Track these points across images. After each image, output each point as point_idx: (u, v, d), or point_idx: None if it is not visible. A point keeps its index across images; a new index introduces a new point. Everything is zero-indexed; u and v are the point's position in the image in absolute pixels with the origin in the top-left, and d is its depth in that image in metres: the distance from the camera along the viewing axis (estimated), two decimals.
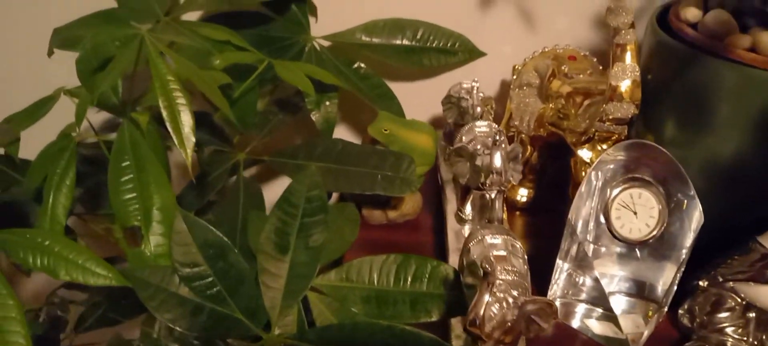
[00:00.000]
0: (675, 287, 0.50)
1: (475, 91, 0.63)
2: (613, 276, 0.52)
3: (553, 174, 0.66)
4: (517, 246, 0.46)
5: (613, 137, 0.55)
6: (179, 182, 0.72)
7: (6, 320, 0.44)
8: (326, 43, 0.73)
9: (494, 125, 0.56)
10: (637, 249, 0.51)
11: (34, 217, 0.60)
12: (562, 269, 0.52)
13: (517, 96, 0.65)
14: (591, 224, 0.51)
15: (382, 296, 0.49)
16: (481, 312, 0.39)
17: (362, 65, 0.72)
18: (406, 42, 0.73)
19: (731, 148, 0.51)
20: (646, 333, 0.51)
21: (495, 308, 0.40)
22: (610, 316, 0.52)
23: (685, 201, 0.49)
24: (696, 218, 0.49)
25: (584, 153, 0.56)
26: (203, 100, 0.62)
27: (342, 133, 0.81)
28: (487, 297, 0.40)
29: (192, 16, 0.71)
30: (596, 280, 0.52)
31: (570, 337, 0.53)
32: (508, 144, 0.53)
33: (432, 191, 0.69)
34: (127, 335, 0.66)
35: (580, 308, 0.53)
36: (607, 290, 0.52)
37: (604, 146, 0.55)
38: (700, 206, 0.49)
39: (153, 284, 0.49)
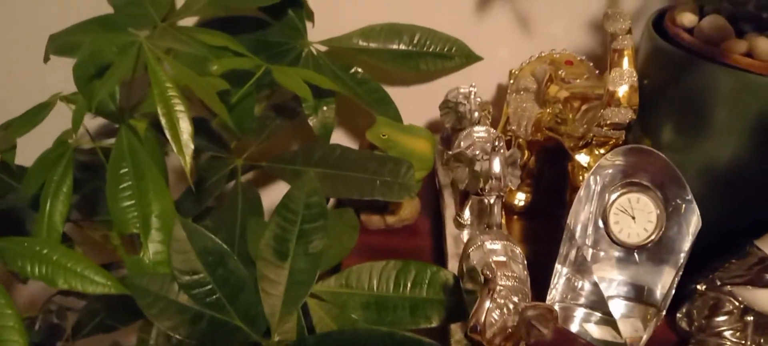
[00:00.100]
0: (673, 291, 0.51)
1: (472, 96, 0.63)
2: (612, 280, 0.52)
3: (550, 178, 0.66)
4: (517, 252, 0.46)
5: (611, 142, 0.55)
6: (176, 187, 0.72)
7: (4, 330, 0.43)
8: (323, 48, 0.73)
9: (492, 130, 0.56)
10: (635, 253, 0.52)
11: (31, 224, 0.59)
12: (560, 273, 0.53)
13: (514, 101, 0.65)
14: (590, 229, 0.52)
15: (382, 302, 0.49)
16: (482, 318, 0.40)
17: (359, 70, 0.72)
18: (403, 47, 0.73)
19: (728, 153, 0.51)
20: (644, 337, 0.51)
21: (496, 314, 0.40)
22: (608, 320, 0.52)
23: (683, 205, 0.50)
24: (694, 222, 0.49)
25: (582, 158, 0.57)
26: (200, 106, 0.62)
27: (339, 138, 0.81)
28: (488, 303, 0.40)
29: (188, 21, 0.71)
30: (595, 284, 0.52)
31: (569, 341, 0.53)
32: (506, 149, 0.53)
33: (430, 196, 0.69)
34: (124, 341, 0.66)
35: (579, 312, 0.54)
36: (605, 294, 0.52)
37: (602, 151, 0.56)
38: (697, 210, 0.49)
39: (152, 292, 0.49)
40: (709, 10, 0.55)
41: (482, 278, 0.41)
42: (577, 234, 0.51)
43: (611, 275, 0.52)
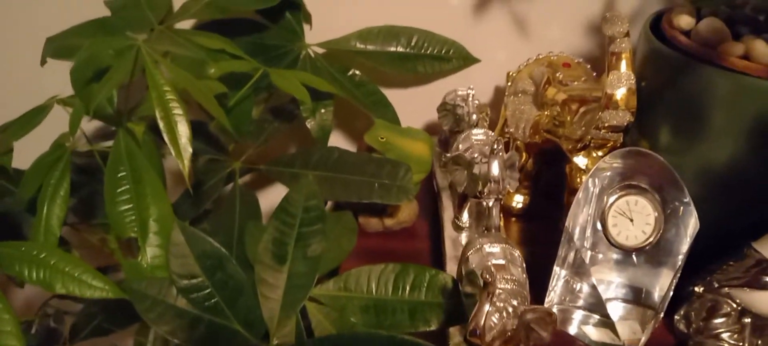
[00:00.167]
0: (671, 293, 0.51)
1: (470, 99, 0.63)
2: (610, 282, 0.53)
3: (547, 180, 0.66)
4: (516, 255, 0.46)
5: (609, 144, 0.55)
6: (173, 189, 0.72)
7: (2, 334, 0.43)
8: (321, 51, 0.73)
9: (491, 133, 0.56)
10: (633, 256, 0.52)
11: (28, 227, 0.59)
12: (559, 275, 0.53)
13: (512, 103, 0.65)
14: (588, 231, 0.52)
15: (381, 305, 0.49)
16: (482, 322, 0.40)
17: (357, 72, 0.72)
18: (400, 49, 0.73)
19: (725, 155, 0.51)
20: (643, 339, 0.51)
21: (495, 318, 0.40)
22: (607, 322, 0.52)
23: (681, 208, 0.50)
24: (691, 224, 0.49)
25: (580, 160, 0.57)
26: (197, 109, 0.62)
27: (337, 140, 0.81)
28: (487, 307, 0.40)
29: (185, 24, 0.71)
30: (593, 286, 0.52)
31: (568, 343, 0.53)
32: (505, 152, 0.53)
33: (428, 198, 0.69)
34: (121, 344, 0.66)
35: (578, 315, 0.54)
36: (604, 296, 0.52)
37: (600, 153, 0.56)
38: (695, 212, 0.49)
39: (150, 296, 0.49)
40: (706, 12, 0.56)
41: (481, 281, 0.41)
42: (576, 236, 0.51)
43: (609, 277, 0.52)
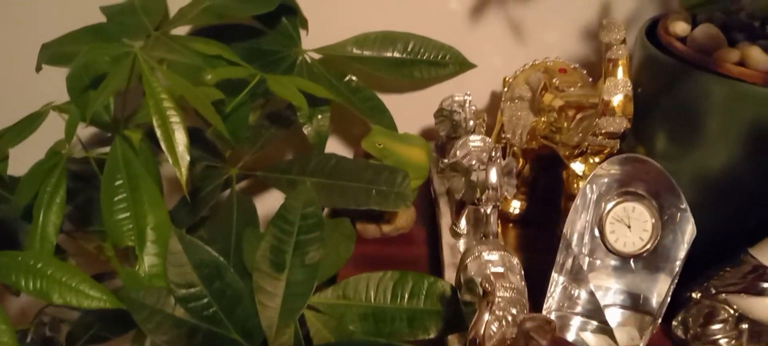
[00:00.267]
0: (669, 299, 0.51)
1: (467, 105, 0.63)
2: (608, 289, 0.53)
3: (544, 186, 0.66)
4: (514, 262, 0.46)
5: (606, 151, 0.55)
6: (170, 196, 0.71)
7: None
8: (317, 56, 0.73)
9: (488, 140, 0.56)
10: (631, 262, 0.52)
11: (23, 235, 0.59)
12: (557, 282, 0.53)
13: (508, 109, 0.65)
14: (586, 238, 0.52)
15: (380, 313, 0.49)
16: (482, 331, 0.40)
17: (353, 78, 0.72)
18: (397, 54, 0.73)
19: (721, 161, 0.51)
20: (641, 345, 0.51)
21: (495, 327, 0.40)
22: (605, 328, 0.52)
23: (678, 214, 0.50)
24: (689, 230, 0.50)
25: (577, 166, 0.57)
26: (194, 115, 0.62)
27: (334, 146, 0.81)
28: (486, 316, 0.40)
29: (182, 29, 0.71)
30: (591, 293, 0.52)
31: None
32: (502, 159, 0.53)
33: (425, 204, 0.69)
34: None
35: (576, 321, 0.54)
36: (602, 302, 0.52)
37: (597, 159, 0.56)
38: (692, 218, 0.49)
39: (148, 306, 0.49)
40: (702, 19, 0.56)
41: (481, 290, 0.41)
42: (574, 243, 0.51)
43: (607, 283, 0.52)
